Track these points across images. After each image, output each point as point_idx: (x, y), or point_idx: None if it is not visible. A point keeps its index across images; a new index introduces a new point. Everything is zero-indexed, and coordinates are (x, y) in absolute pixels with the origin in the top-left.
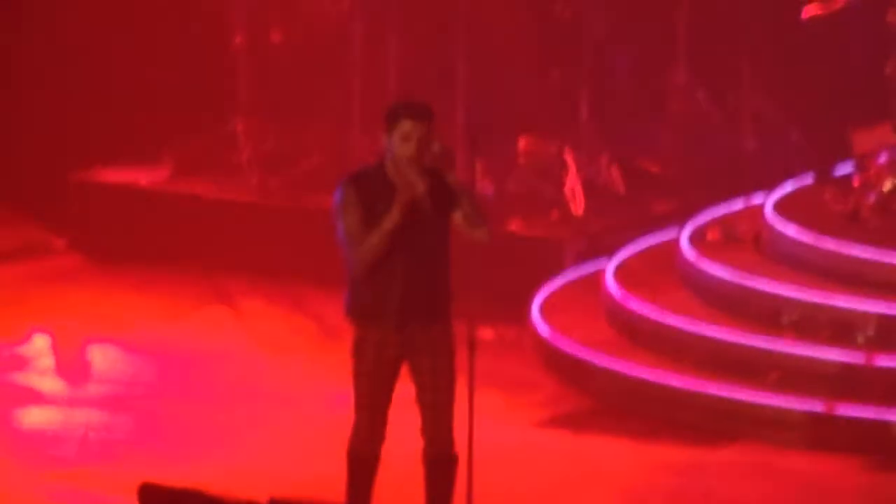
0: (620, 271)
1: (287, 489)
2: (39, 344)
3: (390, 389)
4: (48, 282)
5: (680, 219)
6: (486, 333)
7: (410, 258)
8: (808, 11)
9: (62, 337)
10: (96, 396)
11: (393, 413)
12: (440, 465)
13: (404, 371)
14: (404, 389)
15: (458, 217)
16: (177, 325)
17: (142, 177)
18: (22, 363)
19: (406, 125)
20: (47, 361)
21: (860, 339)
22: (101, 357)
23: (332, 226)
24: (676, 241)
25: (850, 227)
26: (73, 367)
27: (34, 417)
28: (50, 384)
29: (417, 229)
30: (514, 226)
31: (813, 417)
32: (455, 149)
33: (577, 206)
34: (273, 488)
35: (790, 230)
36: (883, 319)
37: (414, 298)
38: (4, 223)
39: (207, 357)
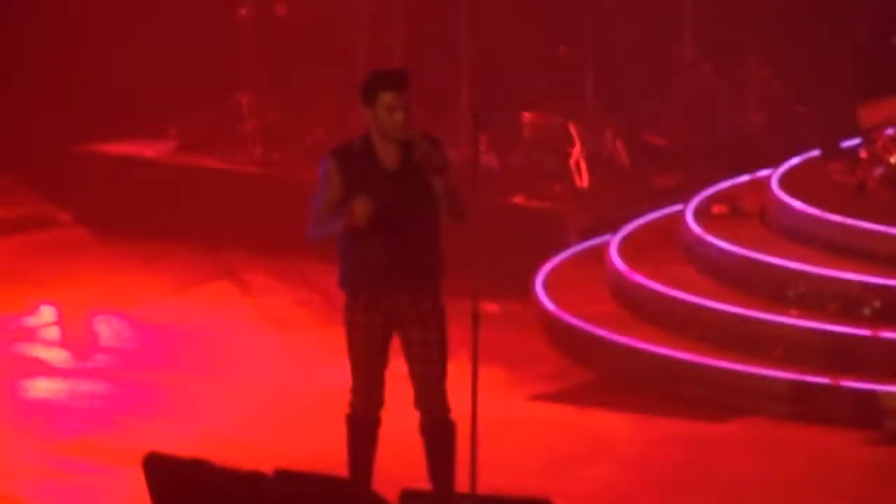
0: (625, 245)
1: (292, 461)
2: (45, 316)
3: (384, 354)
4: (53, 254)
5: (685, 193)
6: (489, 307)
7: (393, 228)
8: None
9: (67, 309)
10: (101, 368)
11: (395, 385)
12: (437, 432)
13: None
14: (403, 363)
15: (437, 188)
16: (181, 298)
17: (147, 149)
18: (27, 335)
19: (387, 97)
20: (53, 333)
21: (865, 313)
22: (106, 329)
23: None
24: (681, 215)
25: (857, 200)
26: (78, 339)
27: (40, 388)
28: (55, 356)
29: (400, 200)
30: (519, 199)
31: (817, 391)
32: (460, 123)
33: (582, 180)
34: (278, 460)
35: (796, 204)
36: (888, 293)
37: (397, 267)
38: (10, 196)
39: (212, 330)
